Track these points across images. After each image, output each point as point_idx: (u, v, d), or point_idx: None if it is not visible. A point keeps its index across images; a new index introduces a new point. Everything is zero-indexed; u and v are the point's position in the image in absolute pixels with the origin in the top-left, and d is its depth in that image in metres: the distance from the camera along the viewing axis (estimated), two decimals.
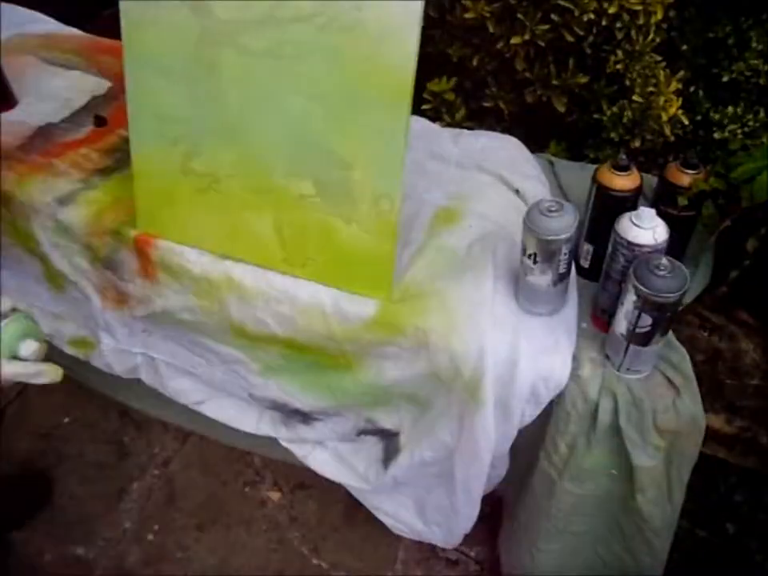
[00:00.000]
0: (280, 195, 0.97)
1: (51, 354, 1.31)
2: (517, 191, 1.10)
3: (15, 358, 0.76)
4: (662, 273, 0.78)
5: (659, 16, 1.10)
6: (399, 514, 1.19)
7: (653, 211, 0.83)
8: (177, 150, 1.00)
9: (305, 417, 1.13)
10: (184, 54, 0.94)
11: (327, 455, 1.17)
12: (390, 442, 1.10)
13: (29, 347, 0.76)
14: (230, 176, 0.98)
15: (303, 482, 1.52)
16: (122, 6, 0.95)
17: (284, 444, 1.18)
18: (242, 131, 0.96)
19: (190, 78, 0.95)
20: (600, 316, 0.94)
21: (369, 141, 0.89)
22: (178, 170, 1.01)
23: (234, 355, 1.10)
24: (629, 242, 0.84)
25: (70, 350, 1.28)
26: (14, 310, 0.77)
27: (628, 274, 0.81)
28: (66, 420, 1.63)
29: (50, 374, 0.77)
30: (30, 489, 1.50)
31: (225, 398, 1.19)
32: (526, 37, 1.13)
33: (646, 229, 0.83)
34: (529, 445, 1.00)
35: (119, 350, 1.21)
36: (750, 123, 1.08)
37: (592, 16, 1.09)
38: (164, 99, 0.98)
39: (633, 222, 0.84)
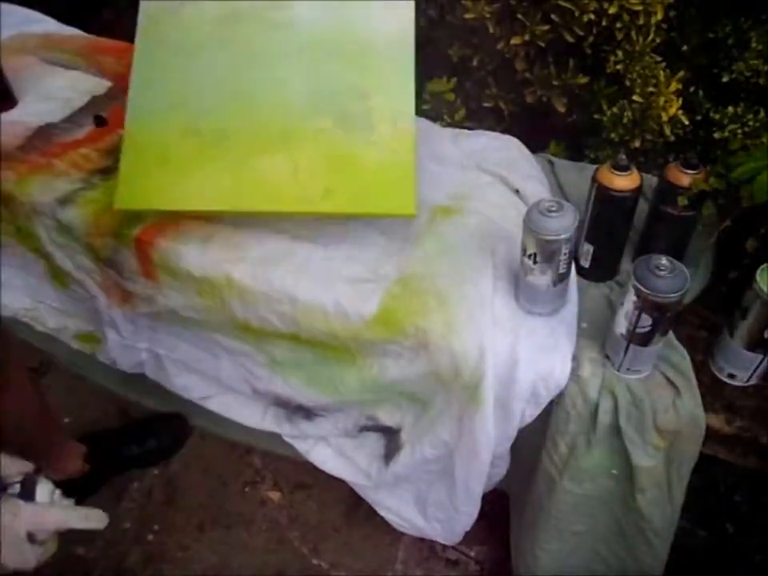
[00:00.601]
0: (295, 134, 0.97)
1: (58, 348, 1.32)
2: (517, 191, 1.10)
3: None
4: (662, 273, 0.78)
5: (659, 16, 1.10)
6: (400, 510, 1.19)
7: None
8: (178, 114, 0.99)
9: (308, 413, 1.14)
10: (202, 31, 1.03)
11: (330, 451, 1.17)
12: (391, 438, 1.11)
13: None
14: (240, 129, 0.98)
15: (303, 481, 1.52)
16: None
17: (287, 440, 1.19)
18: (257, 89, 1.00)
19: (204, 50, 1.02)
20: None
21: (383, 73, 1.01)
22: (178, 133, 0.99)
23: (239, 348, 1.10)
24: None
25: (76, 345, 1.28)
26: None
27: (628, 274, 0.81)
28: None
29: (96, 517, 0.85)
30: (172, 425, 1.56)
31: (230, 394, 1.19)
32: (526, 37, 1.13)
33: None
34: (532, 443, 1.00)
35: (124, 346, 1.21)
36: (750, 123, 1.08)
37: (592, 16, 1.09)
38: (172, 71, 1.01)
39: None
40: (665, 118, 1.13)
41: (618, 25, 1.11)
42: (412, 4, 1.04)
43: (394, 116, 0.99)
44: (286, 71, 1.02)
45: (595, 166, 0.96)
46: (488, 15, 1.15)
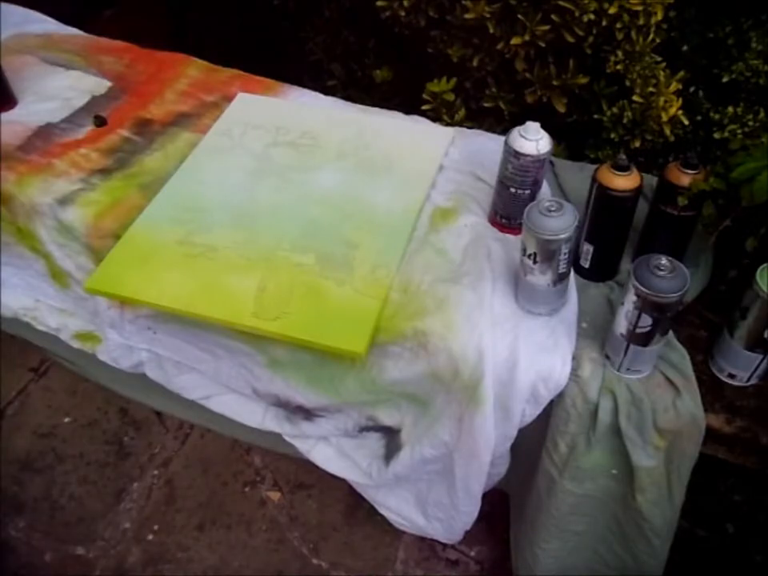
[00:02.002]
0: (276, 263, 1.02)
1: (58, 348, 1.32)
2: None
3: None
4: (662, 273, 0.78)
5: (659, 16, 1.10)
6: (401, 509, 1.19)
7: (537, 125, 0.96)
8: (182, 227, 1.06)
9: (308, 413, 1.14)
10: (232, 178, 1.14)
11: (330, 451, 1.17)
12: (391, 438, 1.11)
13: None
14: (228, 247, 1.03)
15: (303, 481, 1.53)
16: (206, 141, 1.20)
17: (288, 439, 1.19)
18: (259, 218, 1.08)
19: (226, 184, 1.14)
20: (498, 221, 1.06)
21: (377, 233, 1.05)
22: (173, 242, 1.04)
23: (240, 348, 1.10)
24: (516, 152, 0.96)
25: (76, 345, 1.28)
26: None
27: (628, 274, 0.81)
28: (66, 420, 1.63)
29: None
30: None
31: (230, 394, 1.19)
32: (526, 37, 1.13)
33: (530, 140, 0.95)
34: (532, 443, 1.00)
35: (124, 346, 1.21)
36: (750, 123, 1.08)
37: (592, 16, 1.09)
38: (194, 192, 1.12)
39: (520, 134, 0.96)
40: (665, 118, 1.13)
41: (618, 25, 1.11)
42: (423, 191, 1.10)
43: (376, 267, 1.00)
44: (290, 212, 1.09)
45: (595, 166, 0.96)
46: (488, 15, 1.15)
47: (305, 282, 0.99)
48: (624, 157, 0.92)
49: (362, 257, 1.02)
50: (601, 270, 1.01)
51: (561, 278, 0.91)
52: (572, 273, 0.96)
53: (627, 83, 1.15)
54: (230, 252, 1.03)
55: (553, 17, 1.11)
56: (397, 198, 1.10)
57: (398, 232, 1.05)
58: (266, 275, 1.00)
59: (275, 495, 1.52)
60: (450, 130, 1.24)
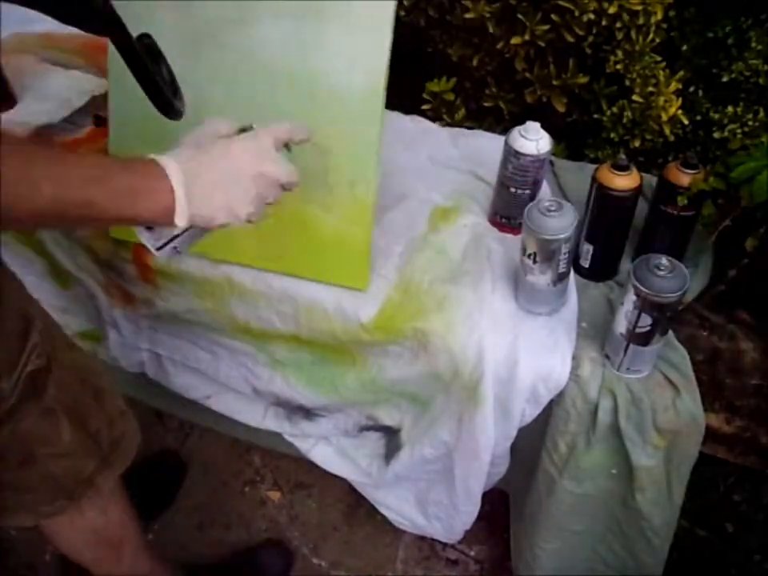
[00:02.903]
0: None
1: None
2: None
3: None
4: (661, 273, 0.78)
5: (659, 16, 1.10)
6: (401, 508, 1.19)
7: (537, 125, 0.97)
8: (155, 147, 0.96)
9: (308, 413, 1.14)
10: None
11: (330, 450, 1.18)
12: (391, 438, 1.11)
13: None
14: None
15: (303, 481, 1.52)
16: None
17: (288, 438, 1.19)
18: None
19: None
20: (498, 221, 1.06)
21: (345, 127, 0.91)
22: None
23: (240, 348, 1.10)
24: (516, 151, 0.96)
25: (77, 343, 1.28)
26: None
27: (628, 274, 0.81)
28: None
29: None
30: (167, 471, 1.52)
31: (230, 394, 1.20)
32: (526, 37, 1.13)
33: (530, 140, 0.96)
34: (532, 443, 1.00)
35: (125, 345, 1.21)
36: (750, 123, 1.08)
37: (592, 16, 1.09)
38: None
39: (520, 134, 0.96)
40: (665, 117, 1.13)
41: (618, 25, 1.11)
42: (386, 54, 0.88)
43: (353, 182, 0.94)
44: (251, 106, 0.92)
45: (595, 166, 0.97)
46: (488, 15, 1.15)
47: (291, 211, 0.94)
48: (624, 157, 0.92)
49: (335, 169, 0.94)
50: (601, 270, 1.02)
51: (561, 278, 0.91)
52: (572, 273, 0.96)
53: (627, 83, 1.15)
54: None
55: (552, 16, 1.11)
56: (357, 65, 0.90)
57: (367, 124, 0.91)
58: None
59: (275, 495, 1.52)
60: None
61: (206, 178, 0.68)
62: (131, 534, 1.09)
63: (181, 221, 0.67)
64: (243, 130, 0.75)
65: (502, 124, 1.30)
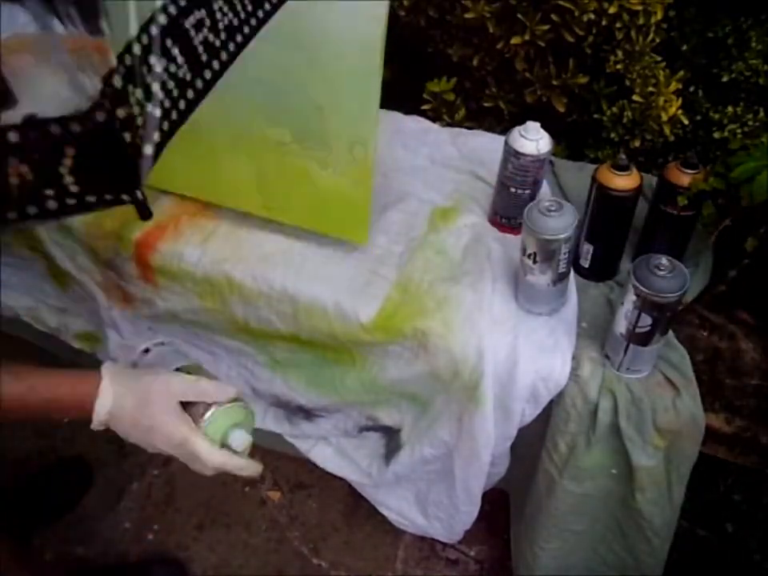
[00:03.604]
0: (259, 143, 0.99)
1: (58, 348, 1.32)
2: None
3: (224, 446, 0.76)
4: (661, 273, 0.78)
5: (659, 16, 1.10)
6: (401, 508, 1.19)
7: (537, 125, 0.96)
8: None
9: (308, 413, 1.14)
10: None
11: (330, 450, 1.17)
12: (391, 438, 1.11)
13: (238, 439, 0.75)
14: (211, 124, 0.97)
15: (303, 481, 1.52)
16: None
17: (288, 439, 1.19)
18: (225, 93, 0.93)
19: None
20: (498, 221, 1.06)
21: (343, 85, 0.91)
22: None
23: (240, 348, 1.10)
24: (516, 151, 0.96)
25: (76, 344, 1.28)
26: (235, 400, 0.77)
27: (628, 274, 0.81)
28: (66, 420, 1.63)
29: (252, 469, 0.77)
30: (72, 474, 1.52)
31: None
32: (526, 37, 1.13)
33: (530, 140, 0.96)
34: (532, 443, 1.00)
35: (125, 346, 1.21)
36: (750, 123, 1.08)
37: (592, 16, 1.09)
38: None
39: (520, 134, 0.96)
40: (665, 117, 1.13)
41: (618, 25, 1.11)
42: (385, 4, 0.84)
43: (352, 143, 0.93)
44: (249, 66, 0.83)
45: (595, 166, 0.96)
46: (488, 15, 1.15)
47: (291, 165, 0.98)
48: (624, 157, 0.92)
49: (335, 129, 0.93)
50: (601, 270, 1.02)
51: (561, 278, 0.91)
52: (572, 273, 0.96)
53: (627, 83, 1.15)
54: (213, 131, 0.98)
55: (553, 16, 1.11)
56: (356, 16, 0.87)
57: (365, 79, 0.89)
58: (257, 161, 1.00)
59: (275, 495, 1.52)
60: None
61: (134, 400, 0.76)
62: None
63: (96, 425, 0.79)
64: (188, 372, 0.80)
65: (501, 124, 1.30)
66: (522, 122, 0.98)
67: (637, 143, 1.18)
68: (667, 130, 1.15)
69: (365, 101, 0.91)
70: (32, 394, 0.75)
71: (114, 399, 0.76)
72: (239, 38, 0.69)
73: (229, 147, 1.00)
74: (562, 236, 0.85)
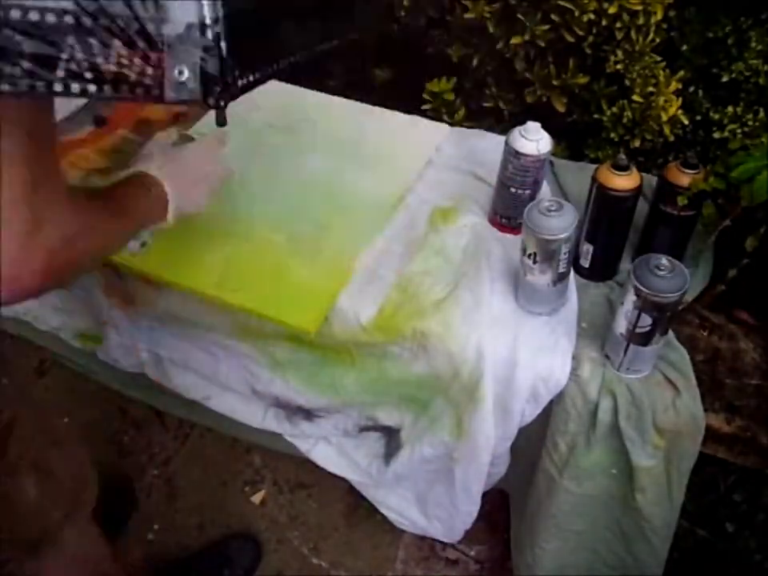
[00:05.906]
0: (248, 238, 1.03)
1: (59, 347, 1.32)
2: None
3: None
4: (661, 273, 0.78)
5: (659, 16, 1.10)
6: (402, 508, 1.19)
7: (538, 125, 0.96)
8: None
9: (308, 413, 1.14)
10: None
11: (330, 450, 1.17)
12: (391, 438, 1.11)
13: None
14: (204, 216, 0.98)
15: (303, 481, 1.53)
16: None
17: (288, 439, 1.19)
18: (239, 198, 1.09)
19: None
20: (498, 221, 1.06)
21: (352, 216, 1.07)
22: None
23: (240, 349, 1.10)
24: (516, 152, 0.96)
25: (77, 344, 1.28)
26: None
27: (628, 274, 0.81)
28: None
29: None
30: (120, 495, 1.50)
31: (230, 394, 1.20)
32: (526, 37, 1.13)
33: (530, 140, 0.95)
34: (532, 443, 1.00)
35: (125, 346, 1.21)
36: (750, 123, 1.08)
37: (592, 16, 1.09)
38: None
39: (520, 134, 0.96)
40: (665, 117, 1.13)
41: (618, 25, 1.11)
42: (407, 183, 1.11)
43: (342, 251, 1.02)
44: (272, 191, 1.12)
45: (595, 166, 0.96)
46: (488, 15, 1.15)
47: (271, 259, 1.01)
48: (624, 157, 0.92)
49: (331, 240, 1.03)
50: (601, 270, 1.02)
51: (561, 278, 0.91)
52: (572, 273, 0.96)
53: (627, 83, 1.15)
54: (205, 221, 0.99)
55: (553, 16, 1.11)
56: (379, 187, 1.12)
57: (373, 220, 1.07)
58: (234, 249, 1.02)
59: (275, 495, 1.52)
60: (445, 126, 1.24)
61: (180, 180, 0.86)
62: (109, 562, 1.10)
63: (171, 217, 0.85)
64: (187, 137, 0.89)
65: (501, 124, 1.30)
66: (522, 122, 0.98)
67: (637, 143, 1.18)
68: (667, 130, 1.15)
69: (367, 229, 1.05)
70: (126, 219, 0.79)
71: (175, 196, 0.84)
72: None
73: (212, 237, 1.03)
74: (562, 236, 0.85)
